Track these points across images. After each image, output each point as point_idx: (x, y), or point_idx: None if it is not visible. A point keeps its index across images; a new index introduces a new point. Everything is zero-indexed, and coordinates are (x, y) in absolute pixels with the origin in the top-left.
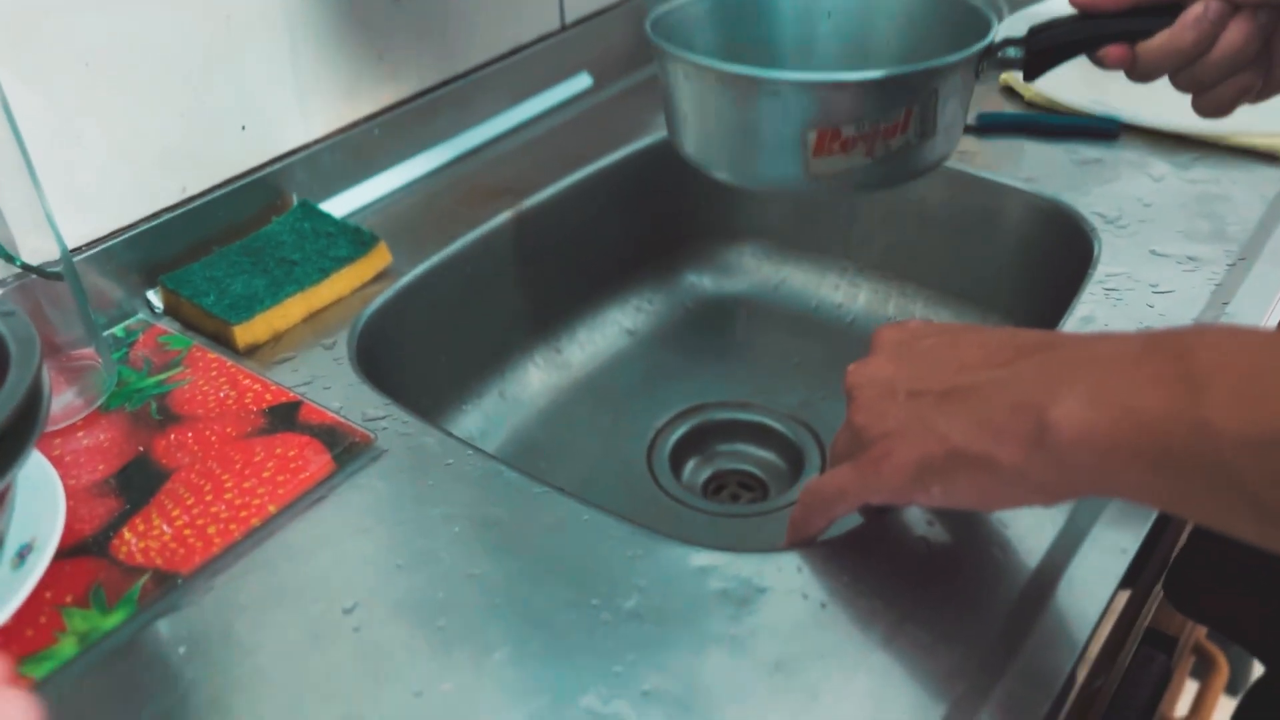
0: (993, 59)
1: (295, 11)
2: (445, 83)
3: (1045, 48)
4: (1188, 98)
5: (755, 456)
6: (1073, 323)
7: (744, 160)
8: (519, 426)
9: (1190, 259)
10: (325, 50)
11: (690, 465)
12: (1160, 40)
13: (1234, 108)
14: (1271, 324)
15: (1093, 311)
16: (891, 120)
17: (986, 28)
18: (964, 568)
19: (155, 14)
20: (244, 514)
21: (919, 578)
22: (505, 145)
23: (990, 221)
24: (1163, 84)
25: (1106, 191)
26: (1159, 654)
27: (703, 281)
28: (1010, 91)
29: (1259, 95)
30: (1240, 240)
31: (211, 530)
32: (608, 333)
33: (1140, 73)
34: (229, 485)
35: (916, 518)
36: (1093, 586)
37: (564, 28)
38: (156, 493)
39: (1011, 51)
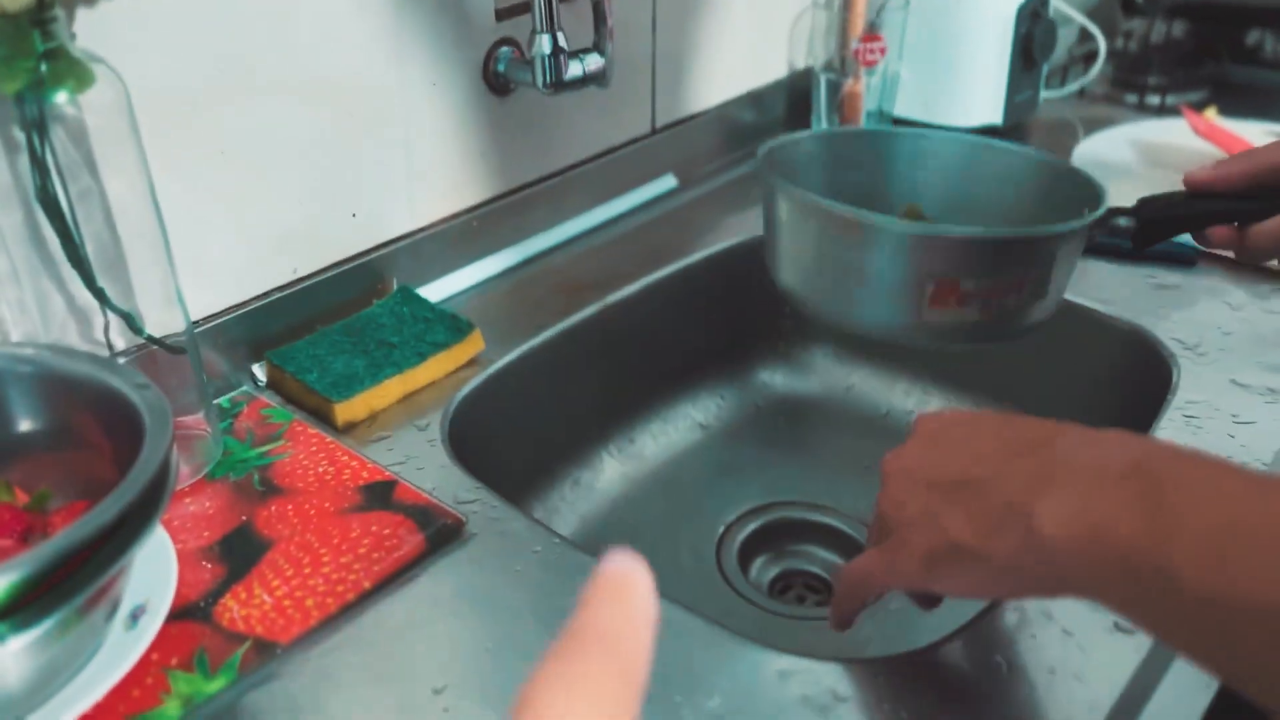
0: (1103, 228)
1: (412, 110)
2: (541, 180)
3: (1154, 220)
4: None
5: (822, 559)
6: None
7: (851, 303)
8: (589, 514)
9: (1271, 390)
10: (435, 146)
11: (759, 563)
12: (1274, 225)
13: None
14: None
15: (1172, 439)
16: (1010, 280)
17: (1097, 198)
18: (1042, 692)
19: (290, 110)
20: (340, 589)
21: (998, 697)
22: (593, 241)
23: (1067, 341)
24: None
25: (1185, 318)
26: None
27: (775, 380)
28: None
29: None
30: None
31: (309, 603)
32: (680, 425)
33: (1247, 255)
34: (326, 559)
35: (997, 635)
36: None
37: (654, 131)
38: (258, 562)
39: (1122, 221)
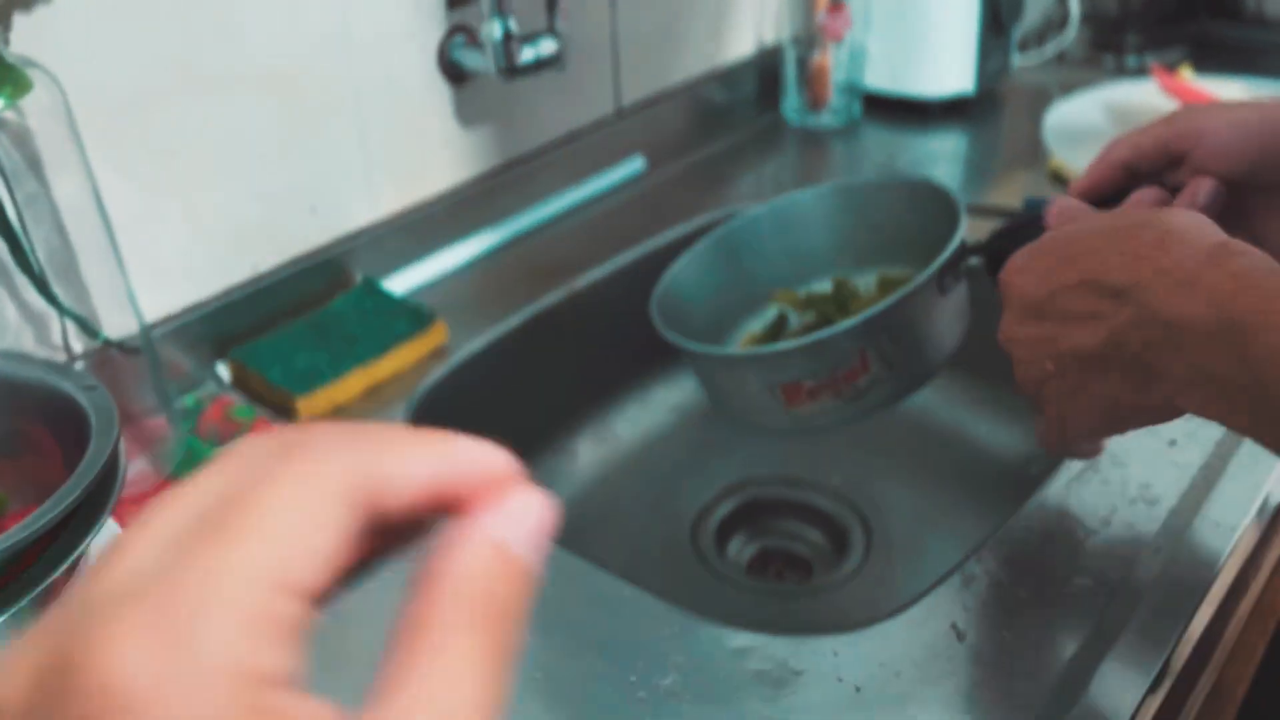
0: (956, 271)
1: (366, 102)
2: (504, 167)
3: (1004, 251)
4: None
5: (801, 535)
6: None
7: (745, 414)
8: (566, 501)
9: None
10: (392, 137)
11: (736, 542)
12: None
13: None
14: None
15: None
16: (848, 366)
17: (952, 232)
18: (998, 661)
19: (239, 105)
20: None
21: (953, 666)
22: (561, 226)
23: None
24: None
25: None
26: None
27: None
28: (1058, 178)
29: None
30: None
31: None
32: (655, 408)
33: None
34: None
35: (953, 603)
36: (1122, 689)
37: (619, 113)
38: None
39: (973, 260)
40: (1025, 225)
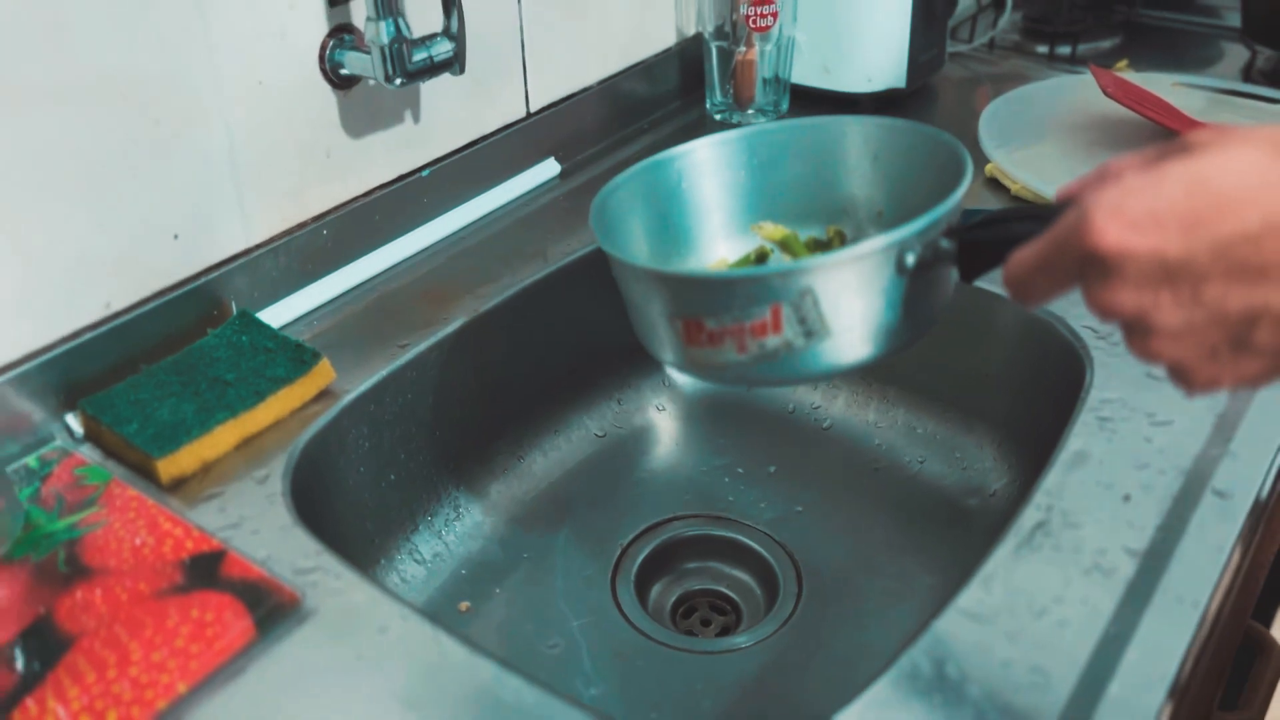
0: (928, 249)
1: (232, 111)
2: (400, 178)
3: (981, 241)
4: None
5: (728, 576)
6: (1066, 456)
7: (645, 339)
8: (475, 545)
9: None
10: (267, 150)
11: (658, 587)
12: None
13: None
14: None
15: (1086, 445)
16: (756, 319)
17: (958, 177)
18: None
19: (73, 117)
20: (149, 694)
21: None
22: (466, 241)
23: (977, 330)
24: None
25: None
26: None
27: (675, 380)
28: (995, 184)
29: None
30: None
31: (111, 716)
32: (573, 438)
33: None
34: (135, 658)
35: (895, 695)
36: None
37: (530, 114)
38: (55, 666)
39: (943, 243)
40: (1021, 218)
